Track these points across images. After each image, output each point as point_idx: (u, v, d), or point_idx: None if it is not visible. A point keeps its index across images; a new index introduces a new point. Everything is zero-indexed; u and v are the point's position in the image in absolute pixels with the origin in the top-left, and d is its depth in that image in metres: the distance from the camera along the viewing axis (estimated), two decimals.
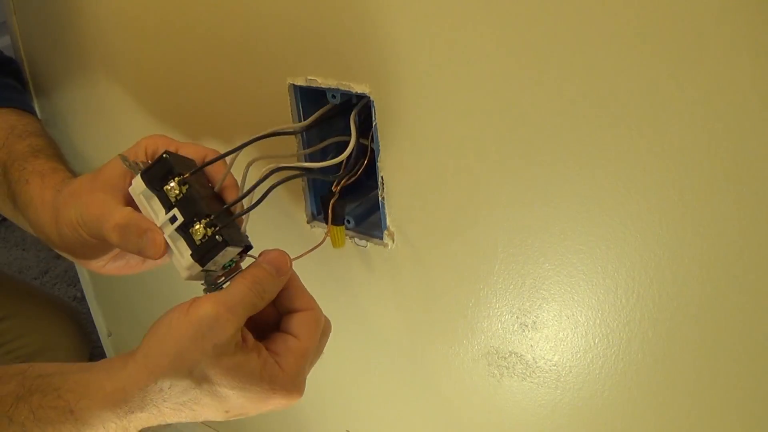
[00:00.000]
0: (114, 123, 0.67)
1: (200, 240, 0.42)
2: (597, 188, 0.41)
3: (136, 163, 0.46)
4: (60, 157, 0.59)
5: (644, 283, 0.42)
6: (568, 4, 0.37)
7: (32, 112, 0.66)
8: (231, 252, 0.44)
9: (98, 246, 0.48)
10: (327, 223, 0.52)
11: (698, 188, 0.38)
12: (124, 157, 0.46)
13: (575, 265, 0.45)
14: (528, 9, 0.39)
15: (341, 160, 0.49)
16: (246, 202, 0.46)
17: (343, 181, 0.51)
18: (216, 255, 0.43)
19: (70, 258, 0.52)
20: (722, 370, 0.42)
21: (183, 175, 0.44)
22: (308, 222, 0.57)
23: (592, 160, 0.40)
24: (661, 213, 0.40)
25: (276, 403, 0.42)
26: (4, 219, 1.82)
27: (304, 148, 0.54)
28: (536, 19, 0.39)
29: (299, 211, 0.57)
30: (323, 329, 0.45)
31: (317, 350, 0.45)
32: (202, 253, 0.43)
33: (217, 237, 0.43)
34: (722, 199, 0.37)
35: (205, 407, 0.42)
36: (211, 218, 0.43)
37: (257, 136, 0.47)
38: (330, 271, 0.53)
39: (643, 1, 0.35)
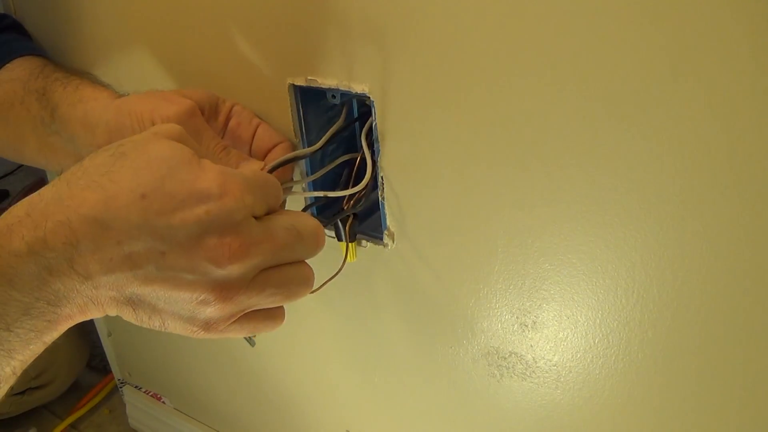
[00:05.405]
0: None
1: None
2: (597, 188, 0.41)
3: None
4: None
5: (644, 283, 0.42)
6: (571, 4, 0.37)
7: None
8: None
9: None
10: (342, 240, 0.53)
11: (698, 188, 0.38)
12: None
13: (575, 265, 0.45)
14: (528, 10, 0.39)
15: (361, 188, 0.49)
16: None
17: (353, 200, 0.51)
18: None
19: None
20: (722, 370, 0.42)
21: None
22: None
23: (592, 159, 0.40)
24: (661, 213, 0.40)
25: (199, 193, 0.35)
26: None
27: (309, 171, 0.54)
28: (536, 20, 0.39)
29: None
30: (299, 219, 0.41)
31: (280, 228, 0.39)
32: None
33: None
34: (722, 198, 0.37)
35: (120, 179, 0.35)
36: None
37: (273, 165, 0.48)
38: (329, 271, 0.53)
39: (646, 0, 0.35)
